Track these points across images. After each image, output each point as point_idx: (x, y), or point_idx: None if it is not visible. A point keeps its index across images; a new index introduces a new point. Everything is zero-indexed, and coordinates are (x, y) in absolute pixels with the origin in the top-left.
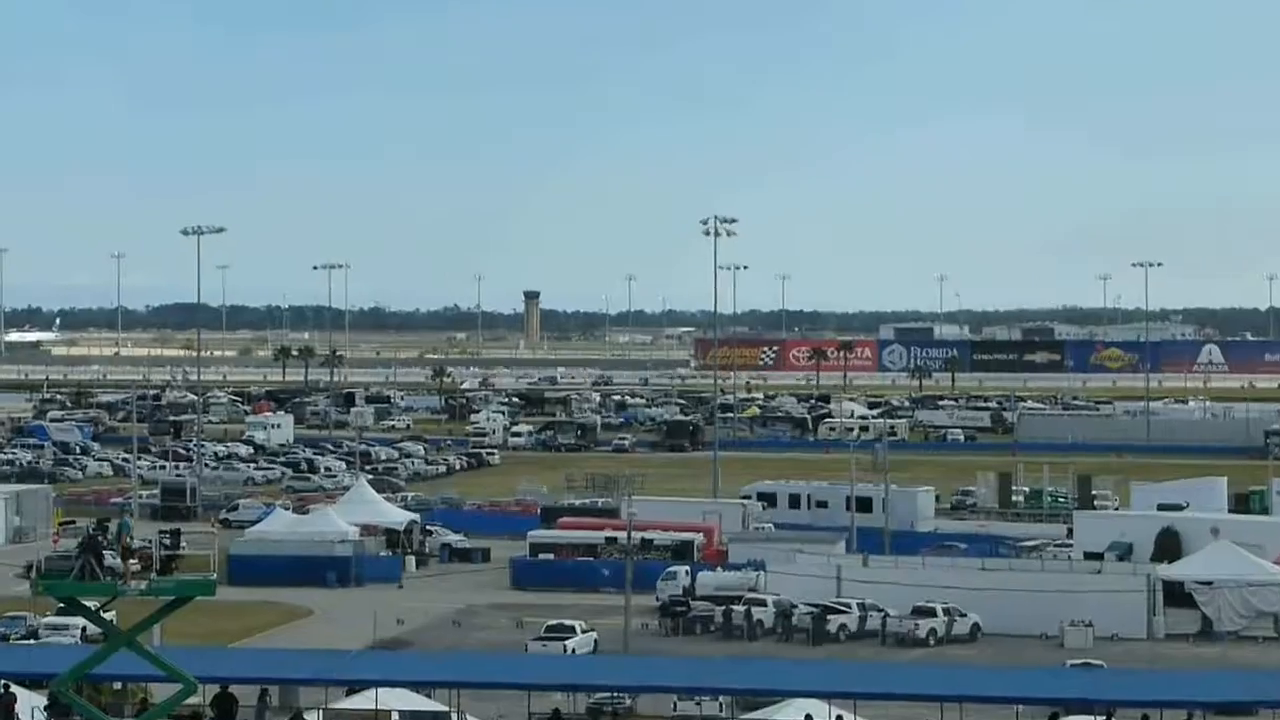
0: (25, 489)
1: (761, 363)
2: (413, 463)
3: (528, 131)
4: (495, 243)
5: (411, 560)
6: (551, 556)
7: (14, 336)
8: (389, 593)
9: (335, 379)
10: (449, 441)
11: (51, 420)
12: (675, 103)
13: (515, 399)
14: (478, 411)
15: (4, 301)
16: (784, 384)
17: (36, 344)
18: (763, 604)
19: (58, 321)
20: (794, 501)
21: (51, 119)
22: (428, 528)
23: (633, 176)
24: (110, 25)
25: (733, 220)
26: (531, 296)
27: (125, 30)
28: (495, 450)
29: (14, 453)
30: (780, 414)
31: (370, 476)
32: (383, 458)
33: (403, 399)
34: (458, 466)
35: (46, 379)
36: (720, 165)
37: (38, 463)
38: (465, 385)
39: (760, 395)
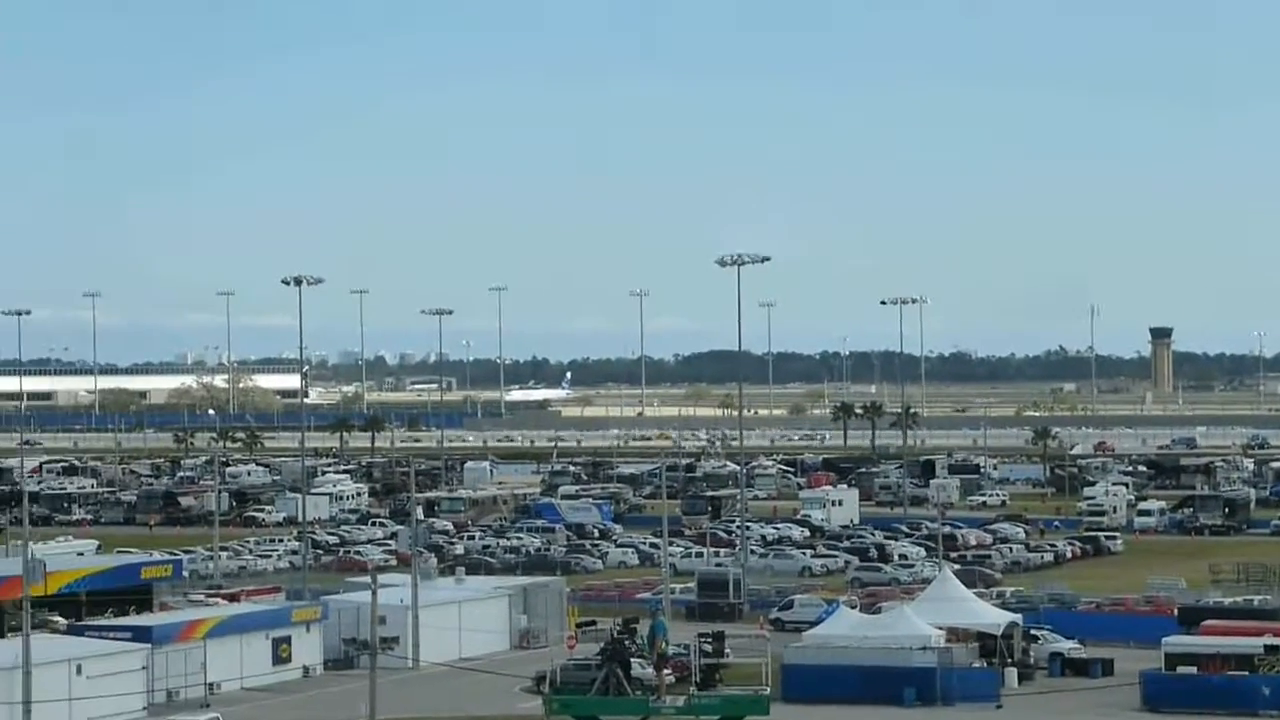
0: (534, 582)
1: None
2: (1010, 549)
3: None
4: (1112, 268)
5: (1012, 673)
6: (1194, 670)
7: (517, 394)
8: (983, 714)
9: (909, 443)
10: (1057, 523)
11: (563, 497)
12: None
13: (1141, 467)
14: (1093, 483)
15: (505, 353)
16: None
17: (543, 404)
18: None
19: (568, 376)
20: None
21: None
22: (1032, 632)
23: None
24: None
25: None
26: (1161, 335)
27: None
28: (1116, 533)
29: (520, 537)
30: None
31: (957, 566)
32: (972, 542)
33: (996, 468)
34: (1068, 554)
35: (556, 447)
36: None
37: (548, 549)
38: (1076, 449)
39: None
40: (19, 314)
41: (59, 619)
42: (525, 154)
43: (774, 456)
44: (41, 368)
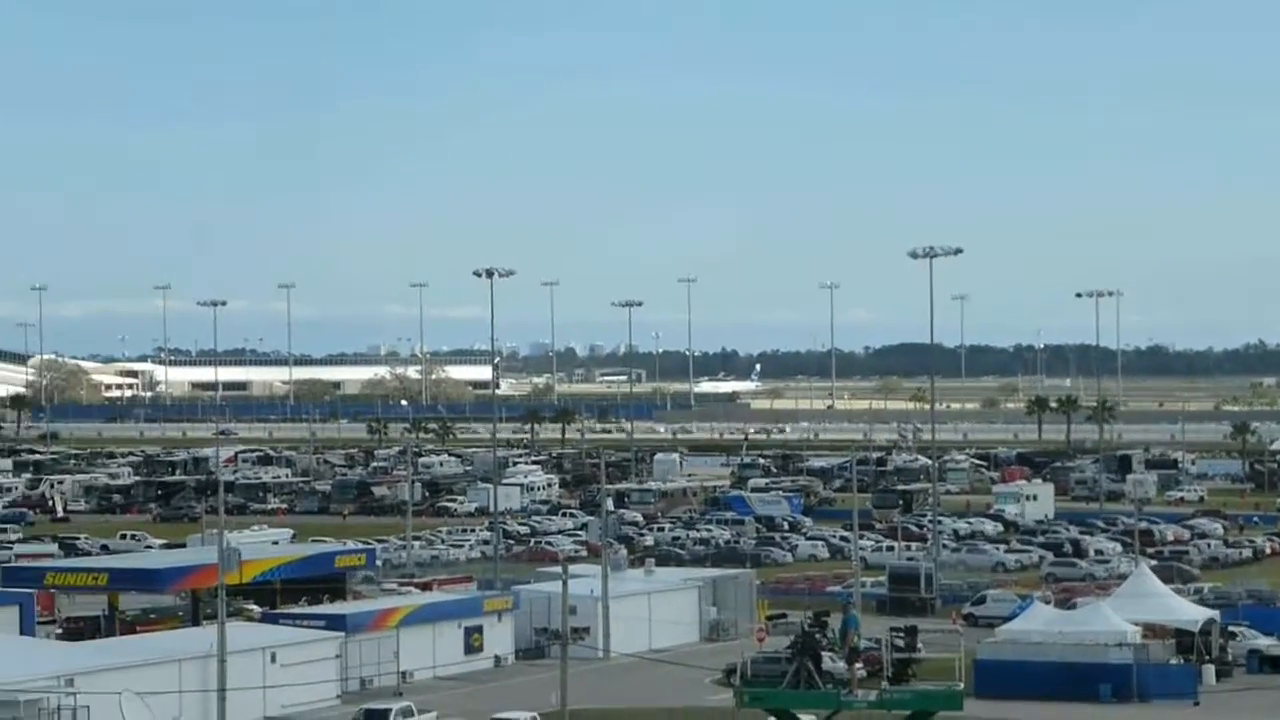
0: (723, 574)
1: None
2: (1209, 545)
3: None
4: None
5: (1210, 670)
6: None
7: (706, 387)
8: (1181, 712)
9: (1105, 437)
10: (1255, 518)
11: (753, 490)
12: None
13: None
14: None
15: (694, 345)
16: None
17: (733, 396)
18: None
19: (757, 368)
20: None
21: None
22: (1230, 629)
23: None
24: None
25: None
26: None
27: None
28: None
29: (710, 529)
30: None
31: (1154, 562)
32: (1169, 538)
33: (1194, 463)
34: (1267, 550)
35: (746, 439)
36: None
37: (738, 542)
38: (1276, 445)
39: None
40: (215, 305)
41: (254, 607)
42: (716, 148)
43: (966, 450)
44: (237, 358)
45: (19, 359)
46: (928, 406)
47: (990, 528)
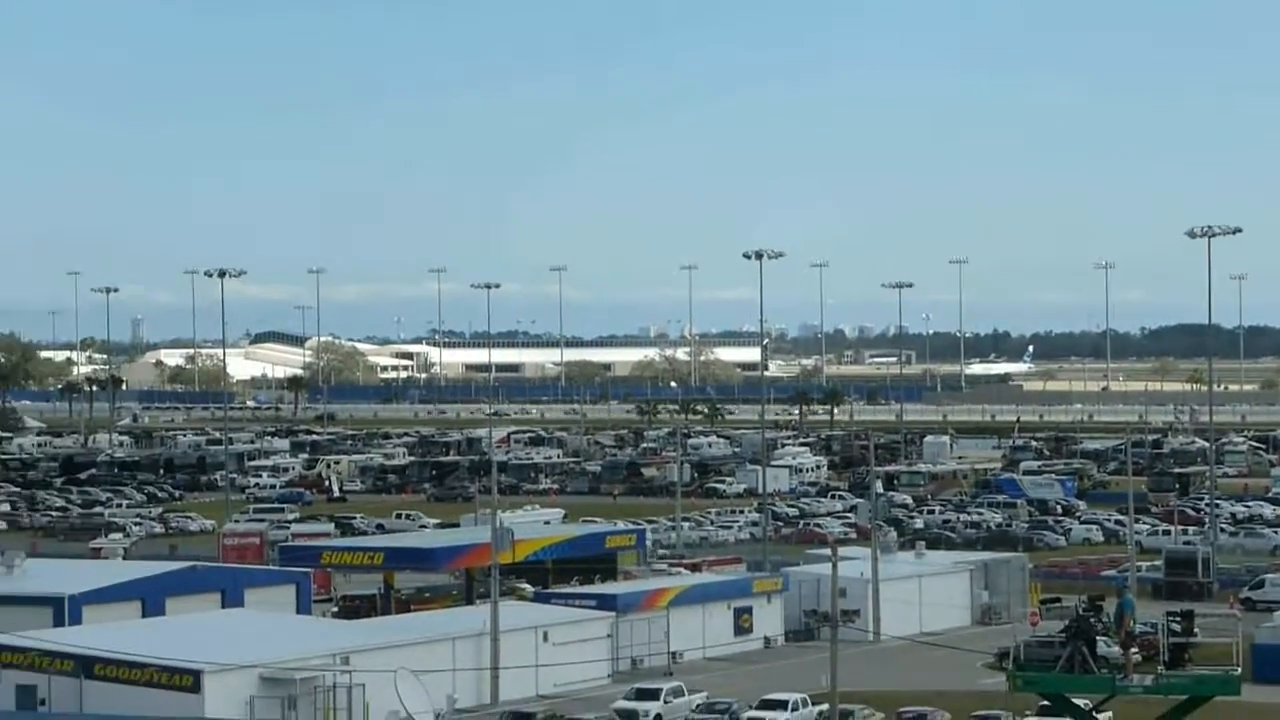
0: (995, 558)
1: None
2: None
3: None
4: None
5: None
6: None
7: (977, 368)
8: None
9: None
10: None
11: (1025, 473)
12: None
13: None
14: None
15: (965, 326)
16: None
17: (1004, 377)
18: None
19: (1030, 350)
20: None
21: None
22: None
23: None
24: None
25: None
26: None
27: None
28: None
29: (981, 512)
30: None
31: None
32: None
33: None
34: None
35: (1018, 421)
36: None
37: (1009, 525)
38: None
39: None
40: (488, 287)
41: (526, 586)
42: (984, 128)
43: (1244, 433)
44: (509, 340)
45: (297, 341)
46: (1205, 388)
47: (1269, 511)
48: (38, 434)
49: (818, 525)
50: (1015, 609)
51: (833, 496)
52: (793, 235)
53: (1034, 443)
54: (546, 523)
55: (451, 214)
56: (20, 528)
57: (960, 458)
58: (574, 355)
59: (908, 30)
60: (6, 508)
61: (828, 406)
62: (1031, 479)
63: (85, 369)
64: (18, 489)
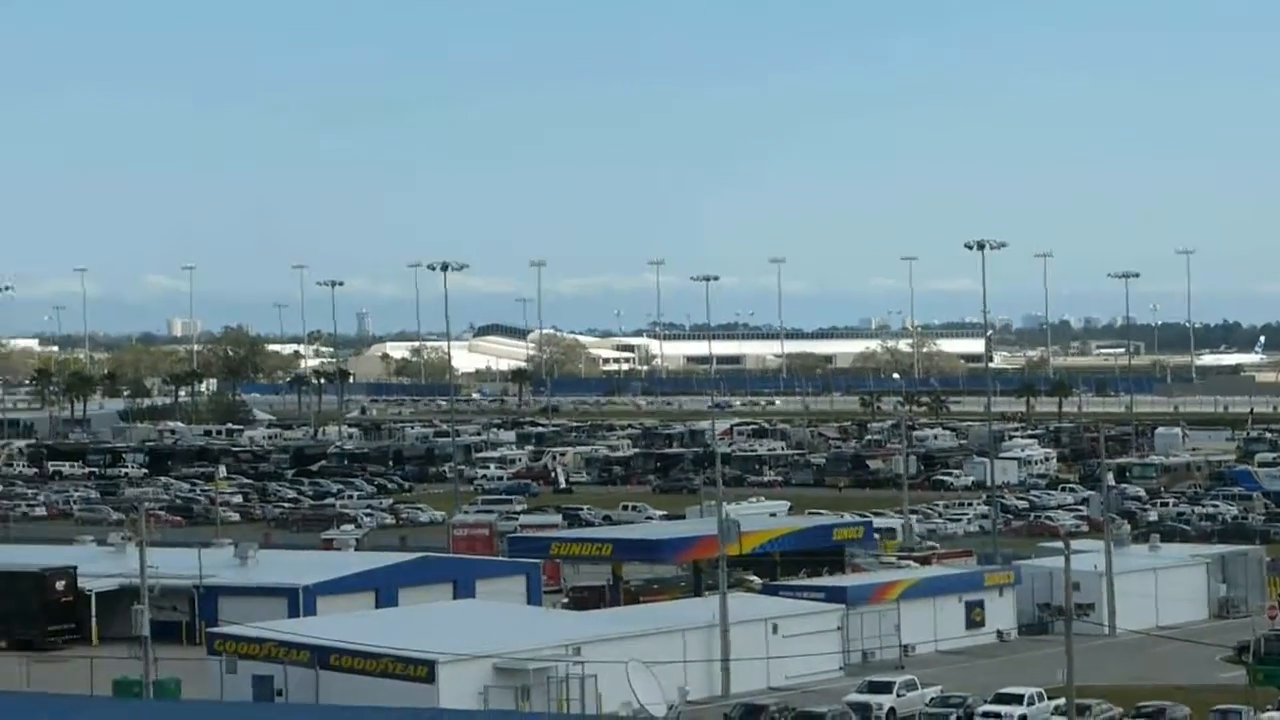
0: (1232, 550)
1: None
2: None
3: None
4: None
5: None
6: None
7: (1208, 359)
8: None
9: None
10: None
11: (1260, 465)
12: None
13: None
14: None
15: (1194, 317)
16: None
17: (1236, 369)
18: None
19: (1261, 340)
20: None
21: None
22: None
23: None
24: None
25: None
26: None
27: None
28: None
29: (1216, 505)
30: None
31: None
32: None
33: None
34: None
35: (1251, 412)
36: None
37: (1245, 517)
38: None
39: None
40: (707, 280)
41: (754, 579)
42: (1212, 119)
43: None
44: (730, 332)
45: (520, 334)
46: None
47: None
48: (268, 426)
49: (1048, 518)
50: (1254, 602)
51: (1063, 489)
52: (1015, 224)
53: (1268, 435)
54: (773, 515)
55: (670, 206)
56: (253, 519)
57: (1193, 450)
58: (794, 347)
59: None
60: (239, 500)
61: (1054, 398)
62: (1268, 471)
63: (312, 362)
64: (250, 481)
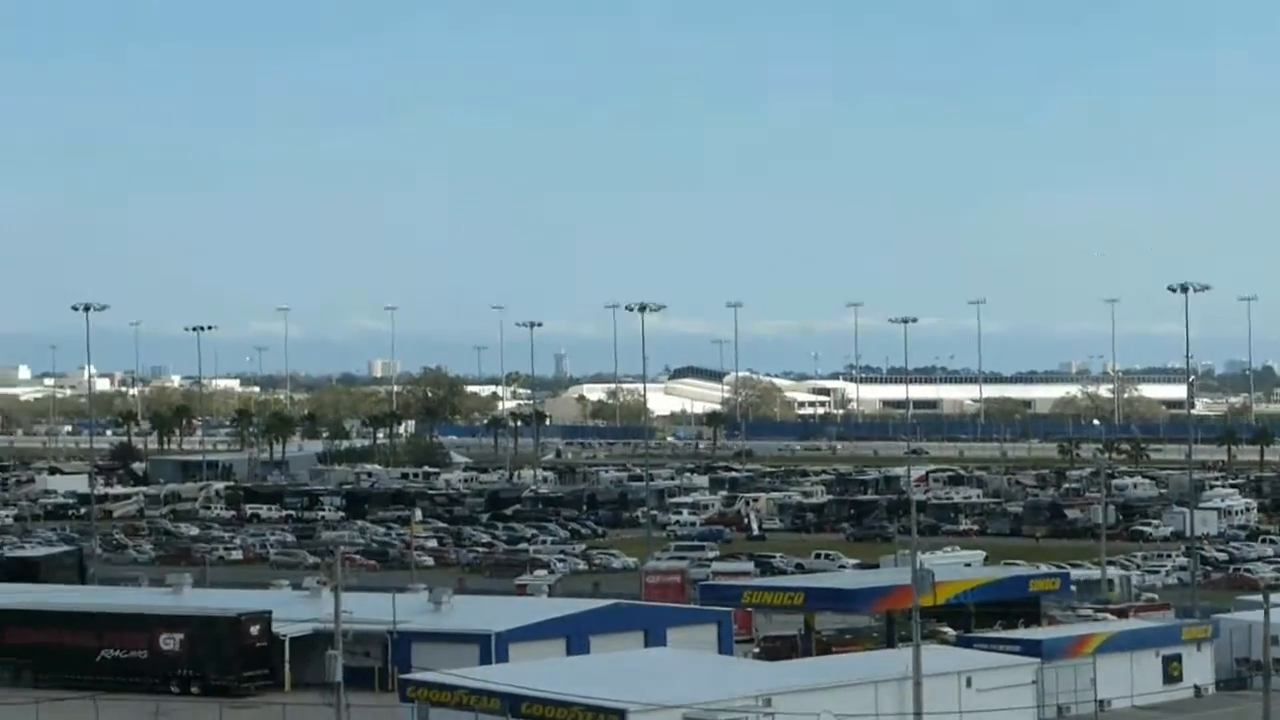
0: None
1: None
2: None
3: None
4: None
5: None
6: None
7: None
8: None
9: None
10: None
11: None
12: None
13: None
14: None
15: None
16: None
17: None
18: None
19: None
20: None
21: None
22: None
23: None
24: None
25: None
26: None
27: None
28: None
29: None
30: None
31: None
32: None
33: None
34: None
35: None
36: None
37: None
38: None
39: None
40: (905, 321)
41: (948, 630)
42: None
43: None
44: (927, 376)
45: (715, 376)
46: None
47: None
48: (464, 469)
49: (1248, 570)
50: None
51: (1264, 540)
52: (1219, 267)
53: None
54: (967, 564)
55: (868, 246)
56: (447, 564)
57: None
58: (993, 391)
59: None
60: (434, 544)
61: (1256, 446)
62: None
63: (510, 404)
64: (445, 524)
